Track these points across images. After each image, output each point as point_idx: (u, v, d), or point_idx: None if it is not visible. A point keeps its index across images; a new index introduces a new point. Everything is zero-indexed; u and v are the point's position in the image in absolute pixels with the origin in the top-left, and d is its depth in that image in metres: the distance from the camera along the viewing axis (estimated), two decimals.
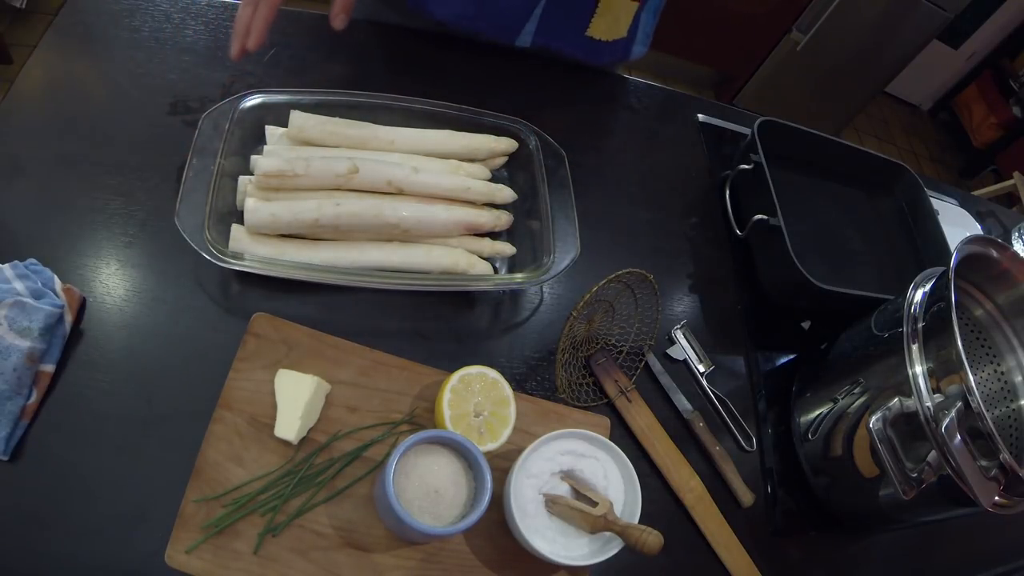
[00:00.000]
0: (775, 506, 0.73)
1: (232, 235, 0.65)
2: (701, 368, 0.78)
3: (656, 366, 0.76)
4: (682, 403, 0.74)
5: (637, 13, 0.90)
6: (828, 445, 0.71)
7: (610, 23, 0.89)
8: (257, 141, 0.72)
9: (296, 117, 0.70)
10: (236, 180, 0.68)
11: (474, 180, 0.73)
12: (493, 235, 0.75)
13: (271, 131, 0.72)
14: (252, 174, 0.68)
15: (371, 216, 0.67)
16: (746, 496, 0.71)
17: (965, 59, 3.30)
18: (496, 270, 0.74)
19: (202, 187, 0.64)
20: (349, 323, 0.68)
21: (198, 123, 0.66)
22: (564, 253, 0.71)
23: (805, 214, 0.90)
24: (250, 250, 0.64)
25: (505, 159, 0.80)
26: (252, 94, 0.71)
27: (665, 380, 0.75)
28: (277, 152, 0.69)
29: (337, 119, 0.73)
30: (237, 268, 0.62)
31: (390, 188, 0.69)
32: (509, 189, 0.76)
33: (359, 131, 0.73)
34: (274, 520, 0.56)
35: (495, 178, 0.78)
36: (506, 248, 0.74)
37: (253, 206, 0.64)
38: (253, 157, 0.69)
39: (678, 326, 0.79)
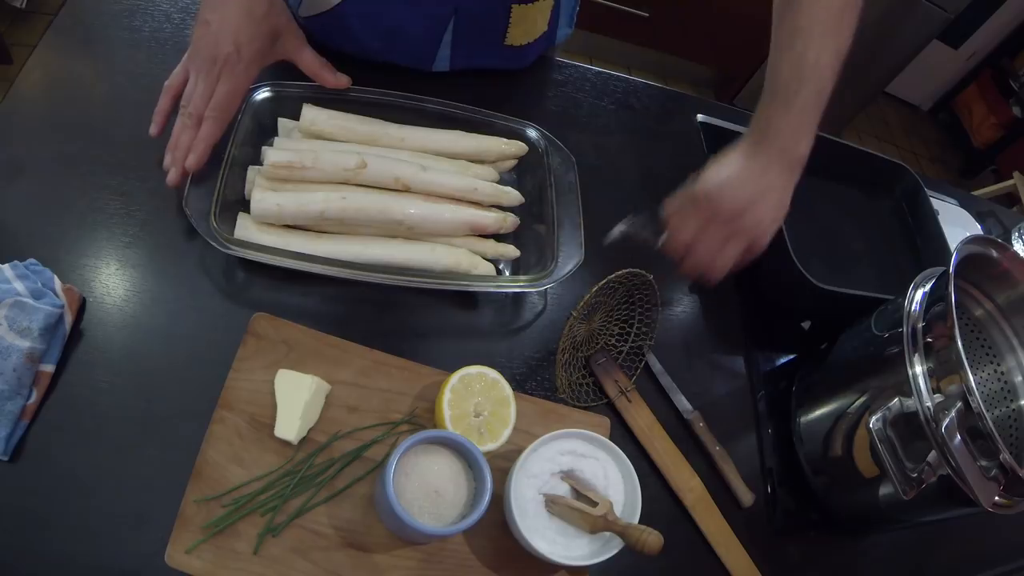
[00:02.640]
0: (775, 506, 0.73)
1: (238, 223, 0.65)
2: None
3: (656, 366, 0.76)
4: (682, 403, 0.74)
5: (555, 6, 0.87)
6: (828, 445, 0.71)
7: (528, 27, 0.85)
8: (269, 133, 0.72)
9: (308, 111, 0.71)
10: (246, 169, 0.68)
11: (481, 181, 0.74)
12: (498, 237, 0.75)
13: (283, 123, 0.73)
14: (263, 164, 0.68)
15: (376, 211, 0.67)
16: (746, 496, 0.71)
17: (965, 59, 3.30)
18: (499, 272, 0.74)
19: (212, 175, 0.64)
20: (350, 318, 0.68)
21: None
22: (568, 258, 0.71)
23: (805, 214, 0.90)
24: (255, 239, 0.65)
25: (514, 162, 0.80)
26: (266, 86, 0.71)
27: (665, 380, 0.75)
28: (288, 144, 0.70)
29: (348, 114, 0.73)
30: (240, 255, 0.62)
31: (397, 185, 0.69)
32: (516, 192, 0.76)
33: (369, 127, 0.73)
34: (274, 520, 0.56)
35: (504, 180, 0.79)
36: (510, 250, 0.74)
37: (260, 195, 0.65)
38: (264, 148, 0.70)
39: None
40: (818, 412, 0.74)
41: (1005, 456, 0.55)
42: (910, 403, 0.60)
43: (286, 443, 0.59)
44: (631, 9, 2.44)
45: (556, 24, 0.91)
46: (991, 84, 3.25)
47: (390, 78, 0.78)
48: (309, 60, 0.72)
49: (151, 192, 0.68)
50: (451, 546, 0.60)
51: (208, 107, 0.64)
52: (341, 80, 0.73)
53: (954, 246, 0.64)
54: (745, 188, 0.67)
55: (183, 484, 0.55)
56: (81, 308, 0.61)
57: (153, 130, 0.67)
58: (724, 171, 0.67)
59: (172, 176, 0.64)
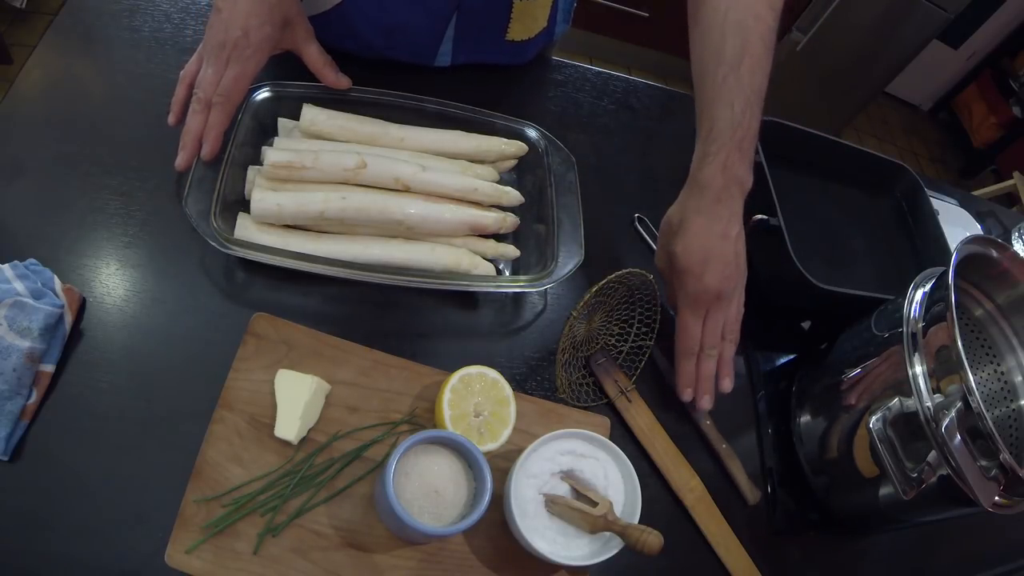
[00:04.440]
0: (775, 506, 0.73)
1: (238, 223, 0.65)
2: None
3: (663, 363, 0.76)
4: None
5: (554, 2, 0.87)
6: (828, 445, 0.71)
7: (528, 23, 0.86)
8: (269, 132, 0.73)
9: (308, 111, 0.71)
10: (246, 170, 0.68)
11: (481, 181, 0.74)
12: (498, 237, 0.75)
13: (283, 123, 0.73)
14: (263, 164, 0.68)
15: (376, 211, 0.67)
16: (752, 494, 0.71)
17: (965, 59, 3.30)
18: (499, 272, 0.74)
19: (212, 175, 0.64)
20: (350, 318, 0.68)
21: None
22: (568, 258, 0.71)
23: (805, 214, 0.90)
24: (255, 239, 0.65)
25: (514, 162, 0.80)
26: (266, 86, 0.71)
27: (672, 379, 0.75)
28: (287, 144, 0.70)
29: (348, 114, 0.73)
30: (240, 255, 0.62)
31: (397, 185, 0.69)
32: (516, 192, 0.76)
33: (370, 127, 0.73)
34: (274, 520, 0.56)
35: (504, 180, 0.79)
36: (510, 250, 0.74)
37: (260, 195, 0.65)
38: (264, 148, 0.70)
39: None
40: (818, 412, 0.74)
41: (1005, 456, 0.55)
42: (910, 403, 0.60)
43: (286, 443, 0.59)
44: (631, 9, 2.44)
45: (555, 20, 0.91)
46: (991, 84, 3.26)
47: (391, 76, 0.78)
48: (314, 55, 0.72)
49: (151, 192, 0.68)
50: (451, 546, 0.60)
51: (215, 92, 0.65)
52: (342, 81, 0.73)
53: (954, 246, 0.64)
54: (728, 261, 0.65)
55: (183, 484, 0.55)
56: (81, 308, 0.61)
57: (171, 119, 0.67)
58: (711, 257, 0.64)
59: (179, 160, 0.65)
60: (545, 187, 0.76)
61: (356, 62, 0.77)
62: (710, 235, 0.64)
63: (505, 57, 0.90)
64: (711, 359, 0.67)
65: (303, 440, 0.59)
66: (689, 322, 0.66)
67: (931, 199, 0.98)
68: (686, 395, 0.69)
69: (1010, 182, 2.68)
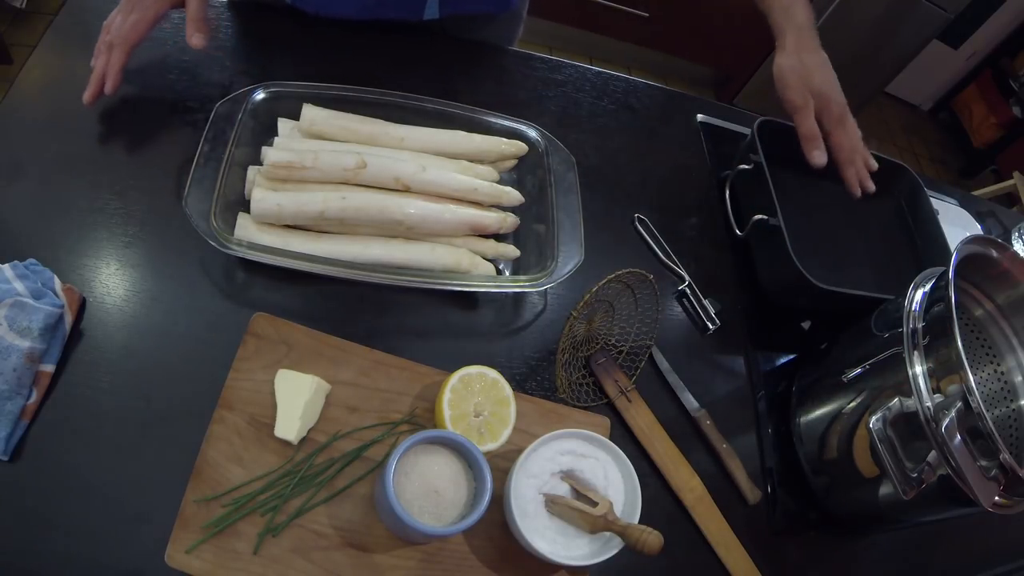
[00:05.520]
0: (775, 506, 0.73)
1: (238, 223, 0.65)
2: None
3: (664, 364, 0.76)
4: (689, 401, 0.74)
5: None
6: (828, 445, 0.71)
7: None
8: (269, 132, 0.72)
9: (308, 110, 0.71)
10: (246, 170, 0.68)
11: (481, 181, 0.74)
12: (498, 237, 0.75)
13: (283, 123, 0.73)
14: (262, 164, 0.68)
15: (376, 211, 0.67)
16: (752, 493, 0.71)
17: (965, 59, 3.29)
18: (499, 271, 0.74)
19: (212, 175, 0.64)
20: (350, 318, 0.68)
21: (212, 111, 0.67)
22: (568, 258, 0.71)
23: (805, 214, 0.90)
24: (255, 239, 0.65)
25: (514, 162, 0.80)
26: (266, 86, 0.71)
27: (672, 379, 0.75)
28: (287, 144, 0.70)
29: (348, 114, 0.73)
30: (240, 255, 0.62)
31: (397, 185, 0.69)
32: (516, 192, 0.76)
33: (370, 127, 0.73)
34: (274, 520, 0.56)
35: (504, 180, 0.79)
36: (510, 250, 0.74)
37: (260, 195, 0.65)
38: (264, 148, 0.70)
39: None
40: (818, 412, 0.74)
41: (1005, 456, 0.55)
42: (910, 403, 0.60)
43: (286, 443, 0.59)
44: (631, 9, 2.43)
45: None
46: (991, 84, 3.25)
47: (383, 38, 0.77)
48: (191, 7, 0.70)
49: (151, 192, 0.68)
50: (451, 546, 0.60)
51: (116, 35, 0.69)
52: (195, 39, 0.70)
53: (954, 246, 0.64)
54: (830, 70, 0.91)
55: (183, 484, 0.55)
56: (81, 308, 0.61)
57: (92, 62, 0.71)
58: (825, 68, 0.91)
59: (85, 95, 0.69)
60: (545, 187, 0.76)
61: (349, 28, 0.76)
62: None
63: (489, 4, 0.91)
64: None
65: (303, 440, 0.59)
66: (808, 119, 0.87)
67: (931, 199, 0.98)
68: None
69: (1010, 182, 2.68)
